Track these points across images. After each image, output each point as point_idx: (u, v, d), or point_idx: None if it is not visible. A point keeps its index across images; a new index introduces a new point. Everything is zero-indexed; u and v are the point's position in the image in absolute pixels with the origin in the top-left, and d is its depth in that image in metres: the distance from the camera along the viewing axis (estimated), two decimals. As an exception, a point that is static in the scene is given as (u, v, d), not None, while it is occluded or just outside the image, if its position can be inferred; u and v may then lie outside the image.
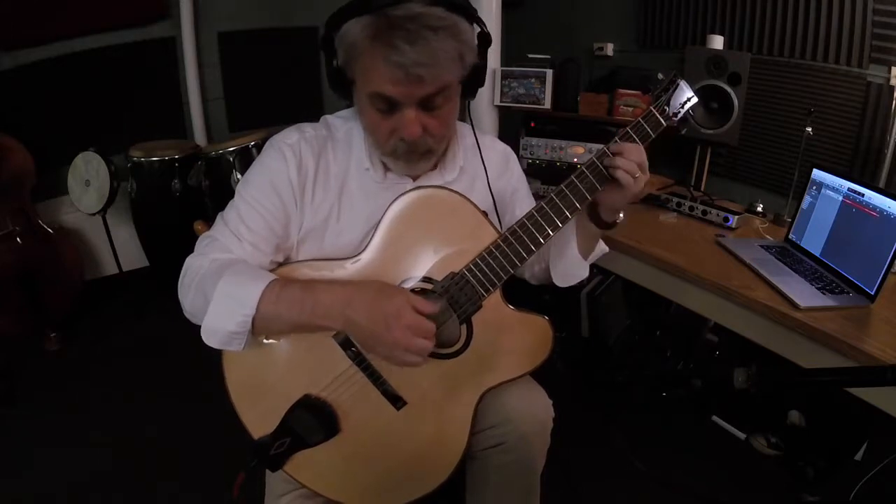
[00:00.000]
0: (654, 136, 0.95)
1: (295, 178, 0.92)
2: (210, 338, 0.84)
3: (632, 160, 0.90)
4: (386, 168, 0.98)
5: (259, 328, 0.84)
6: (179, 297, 0.89)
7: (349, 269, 0.91)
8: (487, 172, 1.04)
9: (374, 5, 0.80)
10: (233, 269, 0.85)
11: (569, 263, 1.06)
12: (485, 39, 0.91)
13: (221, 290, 0.82)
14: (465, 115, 1.03)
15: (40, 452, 1.68)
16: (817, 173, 1.54)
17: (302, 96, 3.06)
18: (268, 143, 0.96)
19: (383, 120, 0.88)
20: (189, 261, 0.90)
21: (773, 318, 1.28)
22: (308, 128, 0.98)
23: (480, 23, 0.89)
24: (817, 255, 1.47)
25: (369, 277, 0.90)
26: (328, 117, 1.01)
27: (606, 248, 1.14)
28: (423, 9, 0.79)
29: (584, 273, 1.08)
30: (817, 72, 1.87)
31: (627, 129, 0.94)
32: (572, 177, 0.92)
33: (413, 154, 0.92)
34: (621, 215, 1.01)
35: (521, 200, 1.13)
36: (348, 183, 0.97)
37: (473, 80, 0.92)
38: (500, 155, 1.12)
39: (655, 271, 1.56)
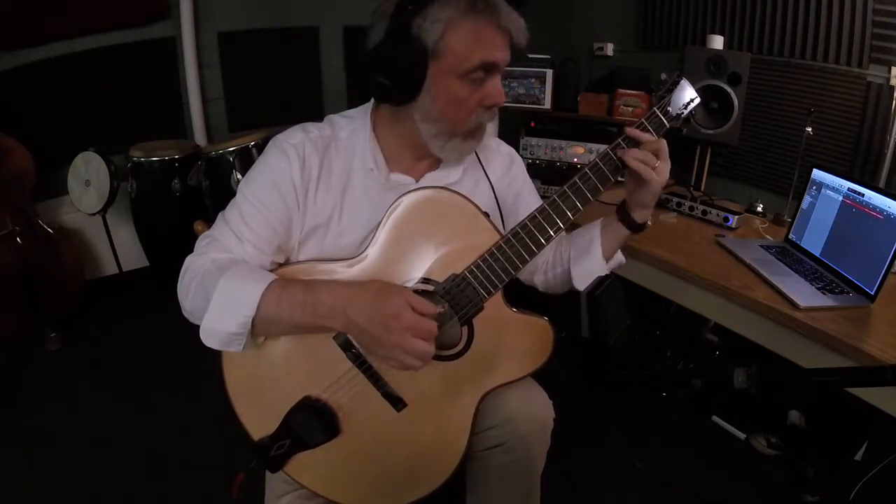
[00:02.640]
0: (657, 137, 0.95)
1: (298, 179, 0.92)
2: (209, 338, 0.83)
3: (648, 150, 0.92)
4: (391, 169, 0.98)
5: (259, 329, 0.84)
6: (179, 296, 0.88)
7: (350, 270, 0.91)
8: (489, 175, 1.05)
9: None
10: (233, 269, 0.84)
11: (591, 264, 1.07)
12: None
13: (222, 291, 0.81)
14: None
15: (40, 452, 1.68)
16: (817, 173, 1.54)
17: (302, 96, 3.06)
18: (271, 142, 0.96)
19: (473, 93, 0.90)
20: (189, 260, 0.89)
21: (773, 318, 1.28)
22: (312, 128, 0.97)
23: None
24: (817, 255, 1.47)
25: (371, 278, 0.90)
26: (333, 116, 1.01)
27: (623, 259, 1.14)
28: None
29: (603, 274, 1.08)
30: (817, 72, 1.87)
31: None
32: (575, 177, 0.92)
33: (485, 125, 0.96)
34: (649, 221, 1.03)
35: (525, 203, 1.13)
36: (351, 183, 0.97)
37: None
38: (504, 157, 1.12)
39: (655, 271, 1.56)
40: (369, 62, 0.89)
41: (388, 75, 0.88)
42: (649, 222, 1.04)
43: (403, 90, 0.89)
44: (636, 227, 1.03)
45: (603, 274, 1.08)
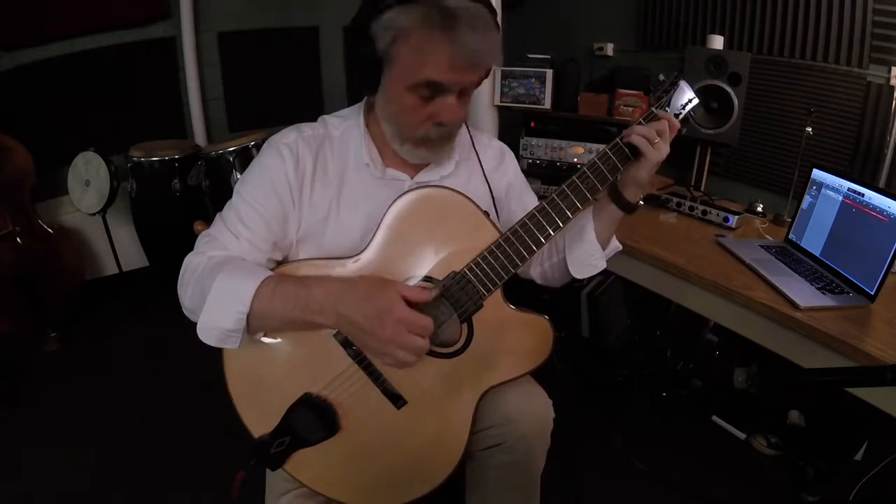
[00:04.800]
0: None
1: (293, 177, 0.93)
2: (206, 335, 0.84)
3: (650, 129, 0.92)
4: (386, 164, 0.99)
5: (254, 325, 0.84)
6: (179, 294, 0.89)
7: (350, 269, 0.91)
8: (484, 166, 1.05)
9: None
10: (229, 266, 0.85)
11: (586, 252, 1.06)
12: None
13: (217, 288, 0.82)
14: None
15: (40, 452, 1.68)
16: (817, 173, 1.54)
17: (302, 96, 3.06)
18: (266, 143, 0.97)
19: (421, 107, 0.89)
20: (188, 259, 0.90)
21: (773, 318, 1.28)
22: (306, 127, 0.99)
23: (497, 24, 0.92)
24: (817, 255, 1.47)
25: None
26: (326, 117, 1.02)
27: (619, 246, 1.14)
28: (471, 3, 0.83)
29: (601, 264, 1.08)
30: (817, 72, 1.87)
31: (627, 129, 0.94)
32: (574, 177, 0.93)
33: (443, 139, 0.94)
34: (641, 202, 1.02)
35: (517, 196, 1.13)
36: (347, 180, 0.98)
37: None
38: (495, 151, 1.13)
39: (655, 271, 1.56)
40: (345, 46, 0.91)
41: (351, 66, 0.90)
42: (641, 202, 1.02)
43: (362, 84, 0.92)
44: (628, 207, 1.01)
45: (599, 259, 1.07)
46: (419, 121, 0.90)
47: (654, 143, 0.91)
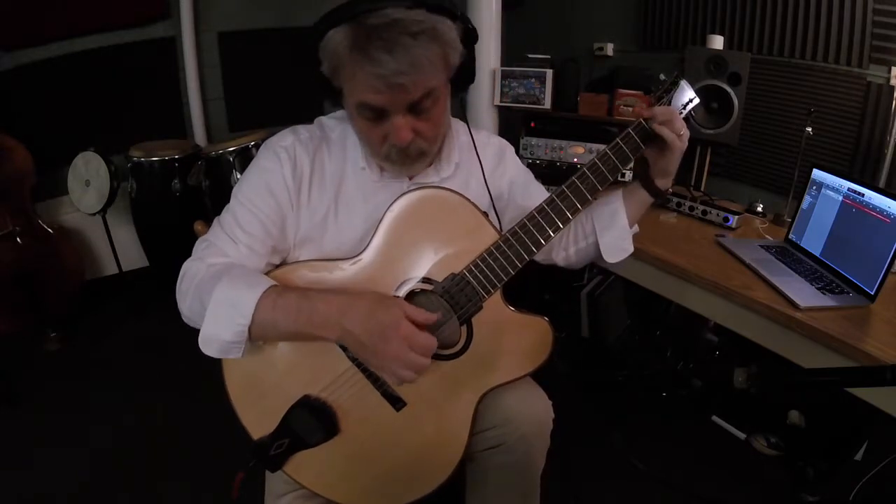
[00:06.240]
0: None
1: (290, 180, 0.93)
2: (207, 347, 0.83)
3: (672, 120, 0.94)
4: (381, 167, 0.98)
5: (256, 335, 0.84)
6: (177, 301, 0.89)
7: (349, 270, 0.91)
8: (483, 168, 1.04)
9: (352, 14, 0.78)
10: (229, 275, 0.84)
11: (618, 235, 1.08)
12: (470, 36, 0.89)
13: (217, 298, 0.81)
14: (463, 115, 1.03)
15: (40, 452, 1.68)
16: (817, 173, 1.54)
17: (302, 96, 3.05)
18: (262, 146, 0.97)
19: (373, 127, 0.87)
20: (186, 265, 0.89)
21: (773, 318, 1.28)
22: (302, 129, 0.98)
23: (464, 19, 0.86)
24: (817, 255, 1.47)
25: (369, 278, 0.90)
26: (322, 118, 1.02)
27: (637, 228, 1.15)
28: (401, 14, 0.77)
29: (630, 247, 1.10)
30: (817, 72, 1.87)
31: (629, 129, 0.94)
32: (573, 178, 0.93)
33: (407, 158, 0.91)
34: (670, 188, 1.06)
35: (522, 191, 1.12)
36: (345, 182, 0.97)
37: (463, 77, 0.92)
38: (494, 149, 1.11)
39: (655, 271, 1.56)
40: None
41: (318, 88, 0.90)
42: (670, 189, 1.06)
43: (332, 104, 0.92)
44: (659, 194, 1.05)
45: (629, 244, 1.09)
46: (378, 141, 0.89)
47: (681, 135, 0.94)
